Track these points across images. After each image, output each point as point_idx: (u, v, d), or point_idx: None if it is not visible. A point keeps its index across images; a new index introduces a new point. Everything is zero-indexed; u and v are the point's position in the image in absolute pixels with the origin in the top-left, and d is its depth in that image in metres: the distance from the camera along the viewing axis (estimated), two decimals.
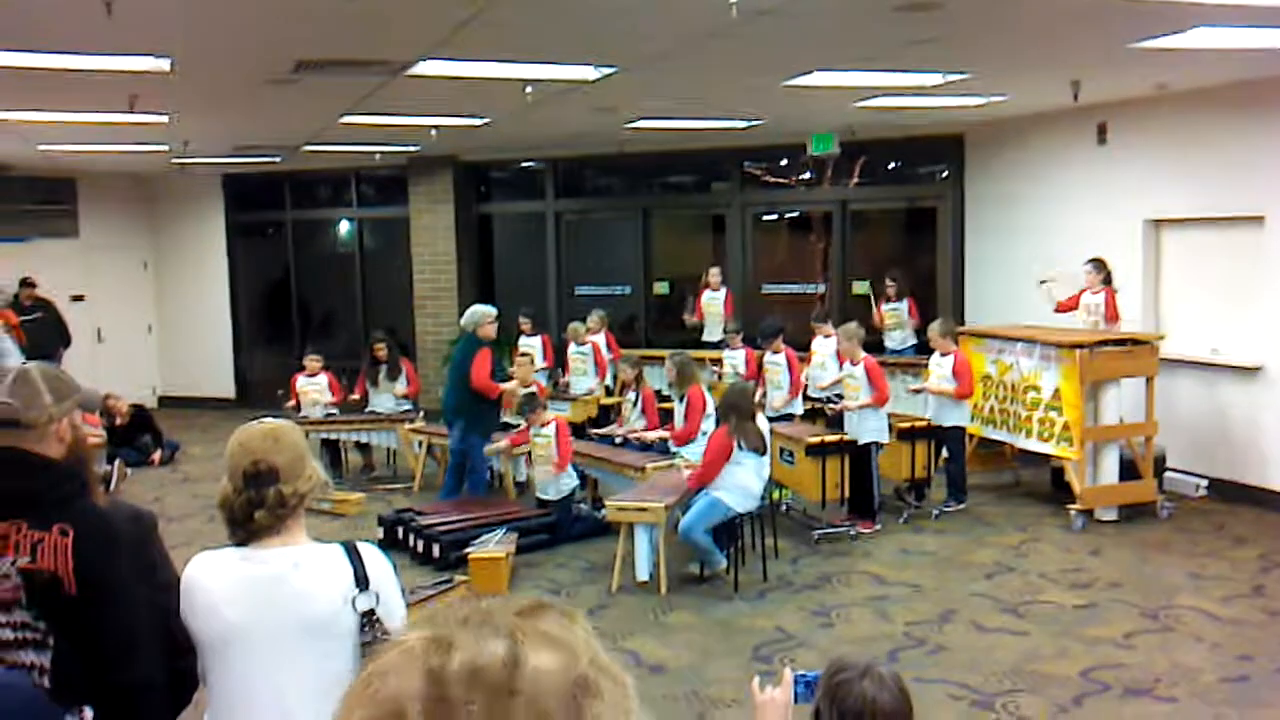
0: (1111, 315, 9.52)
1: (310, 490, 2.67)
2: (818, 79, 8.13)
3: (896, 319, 11.73)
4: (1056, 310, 9.89)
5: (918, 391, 9.71)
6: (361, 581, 2.63)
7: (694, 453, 8.69)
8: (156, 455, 12.48)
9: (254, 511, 2.60)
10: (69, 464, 2.64)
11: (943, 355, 9.43)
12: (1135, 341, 9.08)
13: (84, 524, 2.55)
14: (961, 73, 8.14)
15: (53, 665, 2.47)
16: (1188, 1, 5.68)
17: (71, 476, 2.62)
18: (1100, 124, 10.46)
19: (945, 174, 12.72)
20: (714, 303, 12.57)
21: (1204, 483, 9.59)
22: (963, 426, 9.47)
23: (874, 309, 11.82)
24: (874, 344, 11.47)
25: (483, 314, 9.62)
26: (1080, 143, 10.72)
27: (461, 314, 10.88)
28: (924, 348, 10.10)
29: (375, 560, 2.70)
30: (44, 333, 12.84)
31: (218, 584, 2.61)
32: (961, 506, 9.35)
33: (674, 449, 9.04)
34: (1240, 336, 9.35)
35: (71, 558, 2.49)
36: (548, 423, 8.88)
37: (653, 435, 9.53)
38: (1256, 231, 9.09)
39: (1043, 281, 10.02)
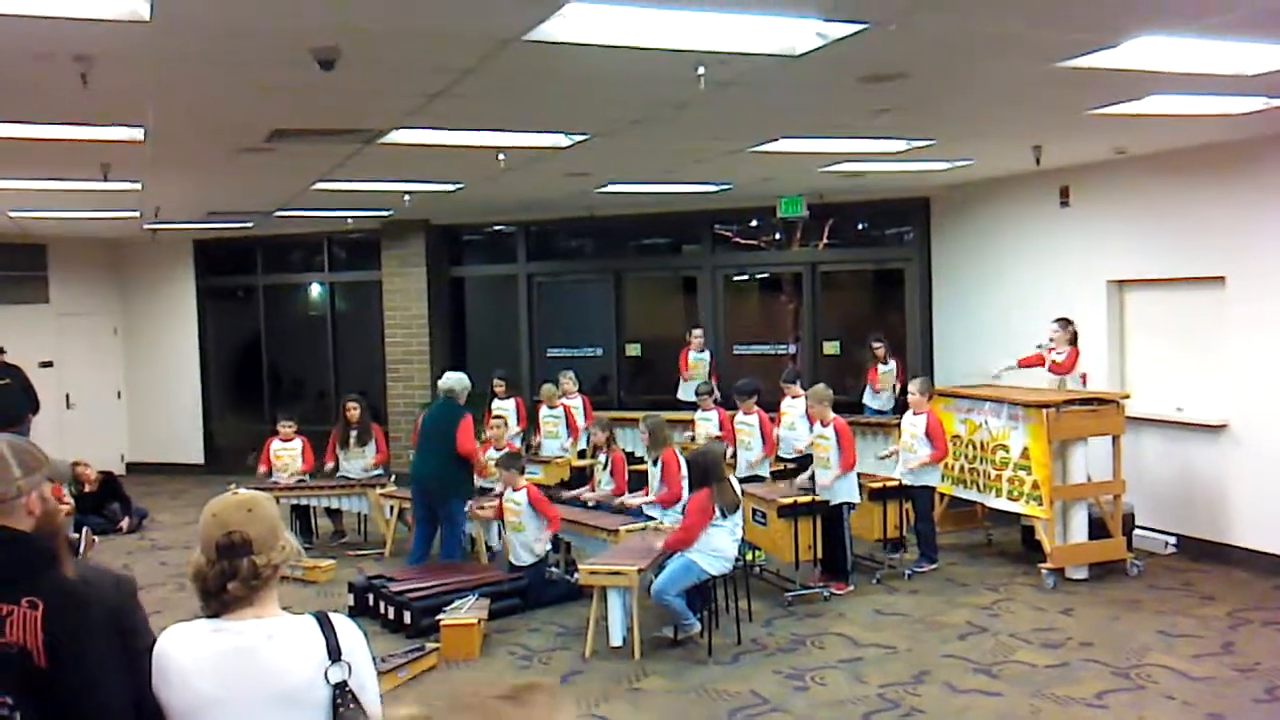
0: (1066, 366, 9.62)
1: (284, 561, 2.67)
2: (785, 146, 8.27)
3: (887, 380, 11.81)
4: (1019, 365, 10.02)
5: (887, 457, 9.76)
6: (334, 653, 2.62)
7: (671, 515, 8.70)
8: (124, 523, 12.35)
9: (227, 583, 2.60)
10: (39, 537, 2.64)
11: (916, 414, 9.52)
12: (1101, 400, 9.19)
13: (53, 597, 2.54)
14: (926, 139, 8.30)
15: None
16: (1143, 70, 5.83)
17: (41, 549, 2.62)
18: (1062, 187, 10.66)
19: (911, 236, 12.89)
20: (701, 364, 12.66)
21: (1172, 540, 9.67)
22: (932, 486, 9.53)
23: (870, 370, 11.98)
24: (852, 405, 11.57)
25: (468, 384, 9.77)
26: (1043, 206, 10.92)
27: (434, 377, 10.93)
28: (905, 408, 10.20)
29: (348, 631, 2.70)
30: (12, 400, 12.74)
31: (190, 656, 2.60)
32: (934, 567, 9.38)
33: (659, 513, 9.01)
34: (1204, 395, 9.48)
35: (41, 631, 2.49)
36: (520, 488, 8.87)
37: (636, 501, 9.48)
38: (1218, 291, 9.25)
39: (995, 375, 10.18)
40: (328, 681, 2.59)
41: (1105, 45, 5.28)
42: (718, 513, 7.53)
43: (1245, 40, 5.37)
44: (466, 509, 9.55)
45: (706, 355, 12.76)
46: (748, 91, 6.05)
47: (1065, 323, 9.76)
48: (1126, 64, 5.63)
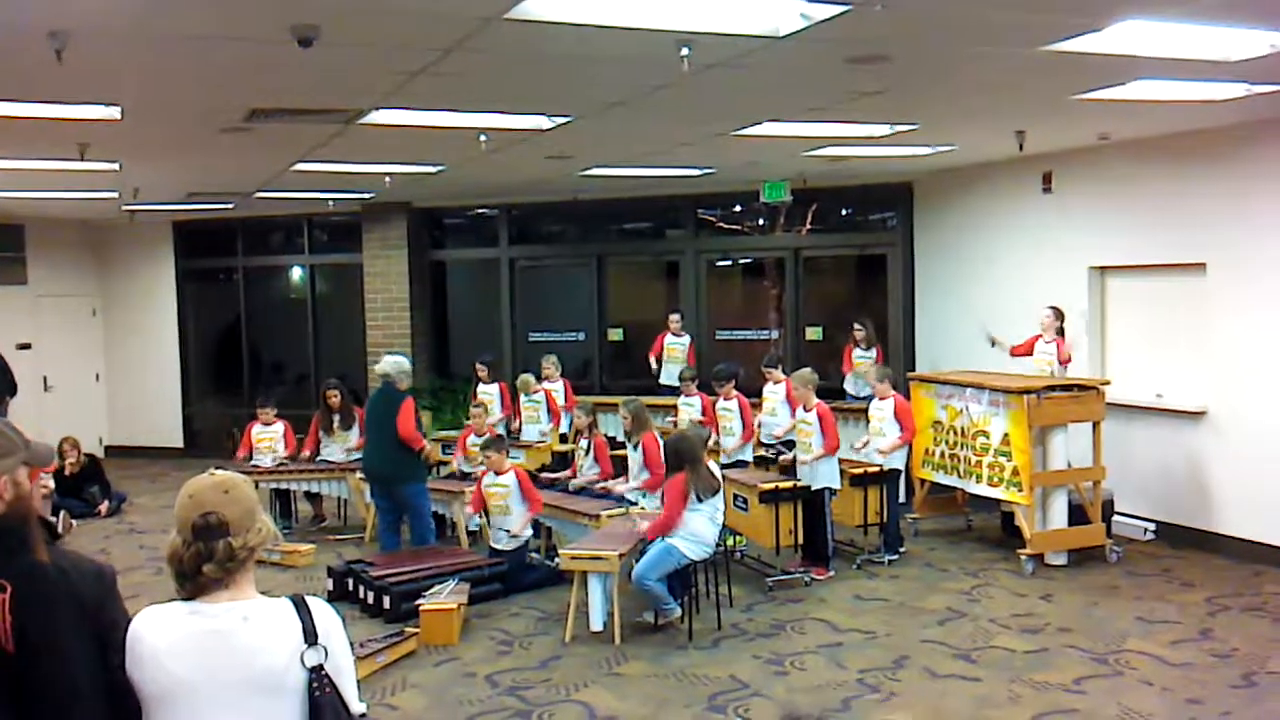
0: (1064, 357, 9.64)
1: (260, 543, 2.64)
2: (769, 129, 8.23)
3: (863, 366, 11.78)
4: (1012, 354, 10.01)
5: (862, 448, 9.74)
6: (310, 636, 2.60)
7: (651, 500, 8.69)
8: (103, 506, 12.28)
9: (203, 564, 2.57)
10: (9, 520, 2.59)
11: (881, 400, 9.57)
12: (1082, 387, 9.20)
13: (22, 581, 2.50)
14: (909, 124, 8.28)
15: None
16: (1128, 55, 5.82)
17: (11, 532, 2.57)
18: (1045, 173, 10.67)
19: (894, 221, 12.88)
20: (677, 347, 12.64)
21: (1151, 526, 9.71)
22: (898, 470, 9.54)
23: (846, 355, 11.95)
24: (834, 390, 11.56)
25: (408, 367, 9.61)
26: (1026, 191, 10.92)
27: (415, 360, 10.88)
28: None
29: (324, 615, 2.67)
30: None
31: (164, 638, 2.57)
32: (894, 558, 9.36)
33: (641, 498, 8.99)
34: (1184, 382, 9.51)
35: (9, 615, 2.45)
36: (505, 471, 8.84)
37: (620, 488, 9.43)
38: (1199, 278, 9.27)
39: (994, 343, 10.12)
40: (304, 665, 2.57)
41: (1090, 29, 5.27)
42: (694, 497, 7.51)
43: (1229, 25, 5.37)
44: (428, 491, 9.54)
45: (685, 339, 12.73)
46: (731, 73, 6.02)
47: (1058, 312, 9.76)
48: (1111, 48, 5.62)
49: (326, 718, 2.56)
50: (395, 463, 9.24)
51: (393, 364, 9.51)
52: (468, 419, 11.04)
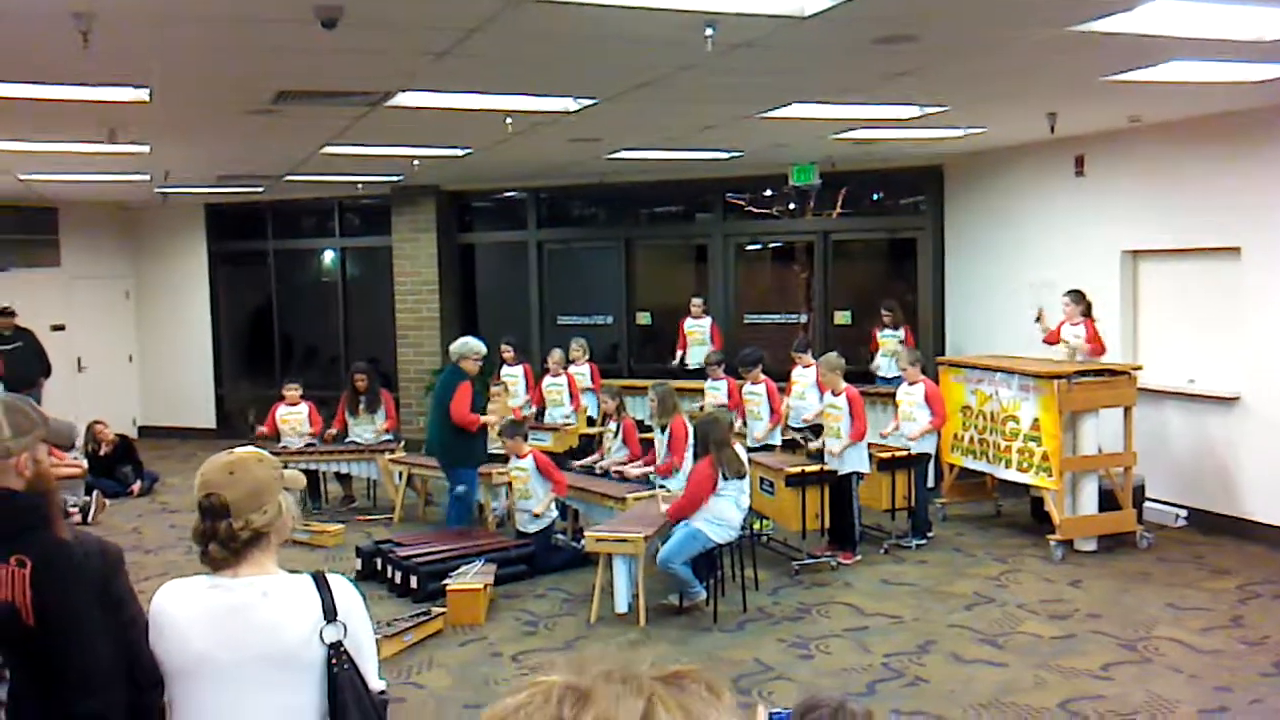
0: (1097, 348, 9.48)
1: (268, 524, 2.64)
2: (796, 111, 8.18)
3: (889, 346, 11.73)
4: (1046, 342, 9.85)
5: (889, 435, 9.69)
6: (330, 613, 2.61)
7: (677, 483, 8.69)
8: (136, 486, 12.41)
9: (209, 543, 2.60)
10: (30, 497, 2.63)
11: (911, 384, 9.51)
12: (1113, 372, 9.11)
13: (42, 556, 2.54)
14: (939, 105, 8.20)
15: (10, 698, 2.46)
16: (1160, 35, 5.74)
17: (31, 509, 2.61)
18: (1078, 156, 10.55)
19: (924, 205, 12.78)
20: (697, 330, 12.63)
21: (1183, 513, 9.61)
22: (928, 454, 9.49)
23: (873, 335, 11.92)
24: (863, 374, 11.51)
25: (474, 348, 9.54)
26: (1058, 174, 10.81)
27: (444, 343, 10.90)
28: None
29: (345, 592, 2.68)
30: (24, 363, 12.79)
31: (186, 612, 2.60)
32: (922, 543, 9.32)
33: (659, 481, 9.02)
34: (1217, 367, 9.40)
35: (29, 589, 2.48)
36: (525, 455, 8.87)
37: (636, 470, 9.49)
38: (1233, 262, 9.15)
39: (1038, 320, 9.96)
40: (322, 641, 2.58)
41: (1122, 8, 5.19)
42: (720, 477, 7.50)
43: (1264, 4, 5.28)
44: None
45: (706, 321, 12.71)
46: (756, 54, 5.97)
47: (1078, 296, 9.60)
48: (1143, 28, 5.53)
49: (345, 694, 2.58)
50: (445, 445, 9.39)
51: (457, 346, 9.58)
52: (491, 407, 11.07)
